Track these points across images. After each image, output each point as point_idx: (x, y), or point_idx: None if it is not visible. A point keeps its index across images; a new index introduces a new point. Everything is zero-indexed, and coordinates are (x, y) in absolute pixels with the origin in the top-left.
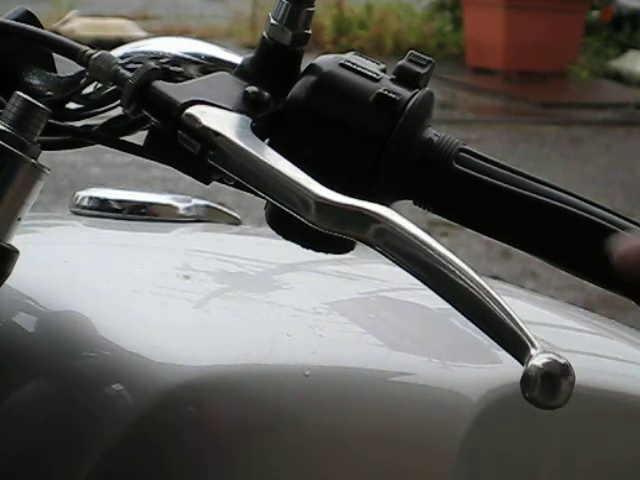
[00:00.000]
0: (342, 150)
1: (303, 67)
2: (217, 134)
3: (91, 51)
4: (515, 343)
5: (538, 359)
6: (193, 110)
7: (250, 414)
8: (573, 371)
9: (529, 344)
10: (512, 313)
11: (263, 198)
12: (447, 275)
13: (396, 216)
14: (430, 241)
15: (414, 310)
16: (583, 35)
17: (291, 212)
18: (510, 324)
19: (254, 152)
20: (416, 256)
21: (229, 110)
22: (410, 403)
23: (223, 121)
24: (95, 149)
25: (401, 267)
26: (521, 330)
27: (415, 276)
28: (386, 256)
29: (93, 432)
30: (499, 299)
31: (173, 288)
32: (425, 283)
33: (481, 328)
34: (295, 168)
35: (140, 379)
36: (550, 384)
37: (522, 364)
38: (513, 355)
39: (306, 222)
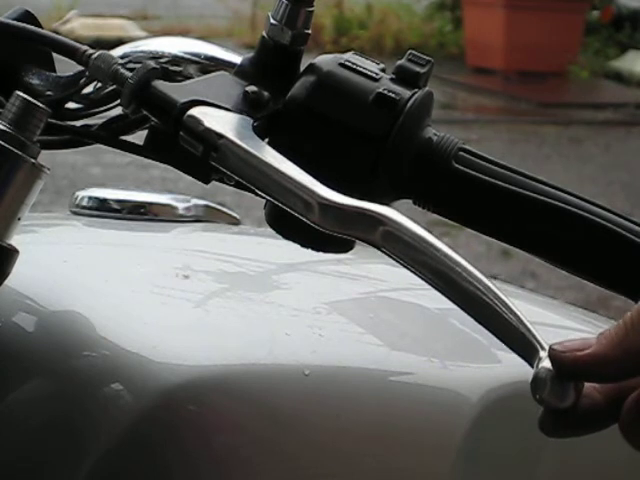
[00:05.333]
0: (341, 150)
1: (303, 67)
2: (220, 136)
3: (91, 51)
4: (524, 345)
5: (547, 361)
6: (195, 112)
7: (249, 413)
8: None
9: (538, 346)
10: (520, 315)
11: (266, 199)
12: (453, 277)
13: (401, 217)
14: (435, 242)
15: (414, 310)
16: (583, 35)
17: (295, 213)
18: (518, 326)
19: (257, 153)
20: (421, 257)
21: (230, 110)
22: (410, 403)
23: (225, 122)
24: (95, 149)
25: (406, 268)
26: (529, 332)
27: (420, 277)
28: (391, 257)
29: (93, 431)
30: (506, 301)
31: (173, 288)
32: (430, 284)
33: (488, 329)
34: (299, 169)
35: (140, 379)
36: (560, 385)
37: (531, 366)
38: (522, 357)
39: (310, 223)
